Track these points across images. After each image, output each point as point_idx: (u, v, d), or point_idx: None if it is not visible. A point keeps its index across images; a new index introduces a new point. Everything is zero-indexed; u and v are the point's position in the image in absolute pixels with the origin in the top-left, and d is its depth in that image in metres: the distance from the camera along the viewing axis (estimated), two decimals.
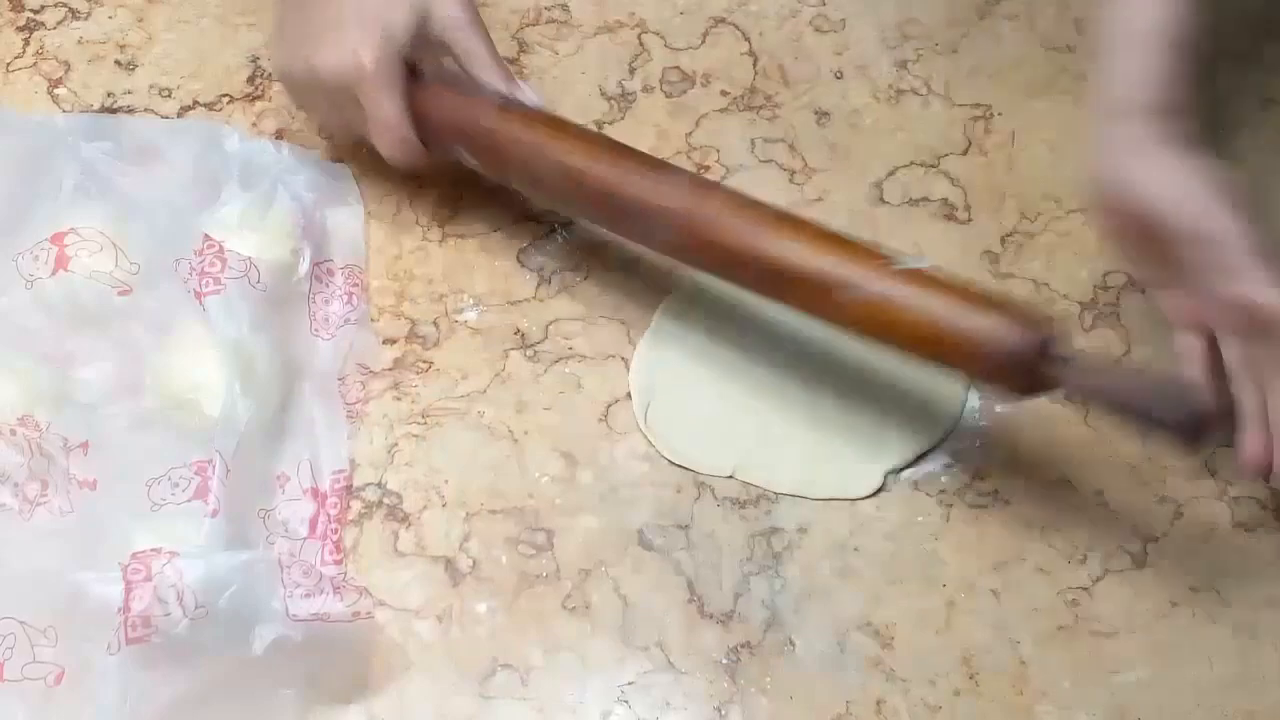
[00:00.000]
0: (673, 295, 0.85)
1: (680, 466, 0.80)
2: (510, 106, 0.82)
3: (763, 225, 0.76)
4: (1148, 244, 0.74)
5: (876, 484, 0.79)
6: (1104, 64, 0.76)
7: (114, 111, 0.91)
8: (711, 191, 0.79)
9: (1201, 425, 0.69)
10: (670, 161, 0.85)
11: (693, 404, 0.82)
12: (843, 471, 0.80)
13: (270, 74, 0.92)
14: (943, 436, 0.80)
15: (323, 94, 0.83)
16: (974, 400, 0.81)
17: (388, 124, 0.82)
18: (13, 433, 0.75)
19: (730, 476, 0.79)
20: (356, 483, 0.80)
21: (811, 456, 0.80)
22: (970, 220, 0.88)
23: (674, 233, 0.78)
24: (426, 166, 0.85)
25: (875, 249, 0.75)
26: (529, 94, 0.83)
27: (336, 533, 0.78)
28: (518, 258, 0.87)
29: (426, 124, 0.83)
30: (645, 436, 0.81)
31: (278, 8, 0.86)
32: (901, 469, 0.79)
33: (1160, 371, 0.77)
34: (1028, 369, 0.71)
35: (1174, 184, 0.71)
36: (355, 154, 0.89)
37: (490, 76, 0.83)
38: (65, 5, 0.96)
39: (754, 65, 0.94)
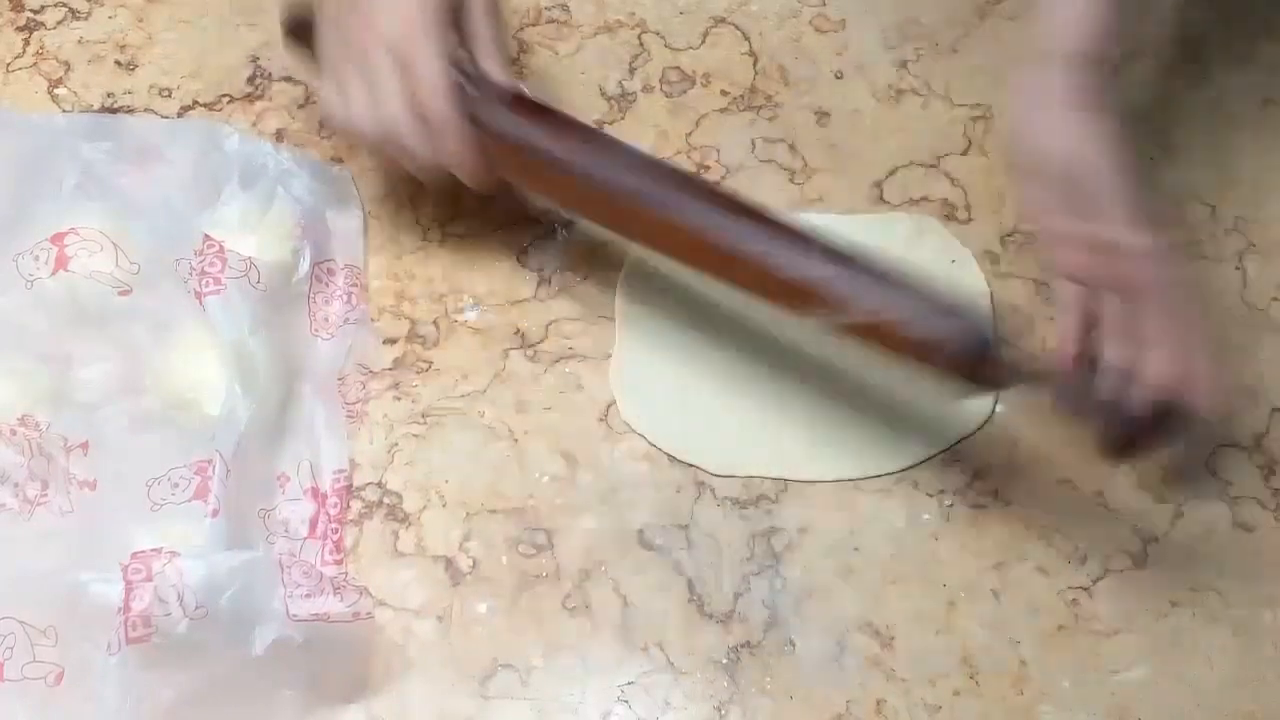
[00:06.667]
0: (628, 282, 0.85)
1: (683, 463, 0.80)
2: (519, 104, 0.81)
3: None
4: (1040, 192, 0.76)
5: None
6: (1041, 11, 0.78)
7: (114, 111, 0.91)
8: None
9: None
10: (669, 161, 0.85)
11: (692, 404, 0.82)
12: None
13: (271, 74, 0.92)
14: (949, 445, 0.80)
15: (366, 65, 0.79)
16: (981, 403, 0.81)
17: (433, 83, 0.78)
18: (13, 433, 0.75)
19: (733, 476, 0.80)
20: (356, 483, 0.80)
21: (816, 448, 0.80)
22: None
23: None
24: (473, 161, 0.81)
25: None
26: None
27: (337, 533, 0.78)
28: (518, 258, 0.87)
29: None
30: (643, 437, 0.80)
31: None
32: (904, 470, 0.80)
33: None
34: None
35: (1069, 137, 0.74)
36: (354, 154, 0.89)
37: (491, 66, 0.82)
38: (65, 5, 0.96)
39: (754, 65, 0.94)
